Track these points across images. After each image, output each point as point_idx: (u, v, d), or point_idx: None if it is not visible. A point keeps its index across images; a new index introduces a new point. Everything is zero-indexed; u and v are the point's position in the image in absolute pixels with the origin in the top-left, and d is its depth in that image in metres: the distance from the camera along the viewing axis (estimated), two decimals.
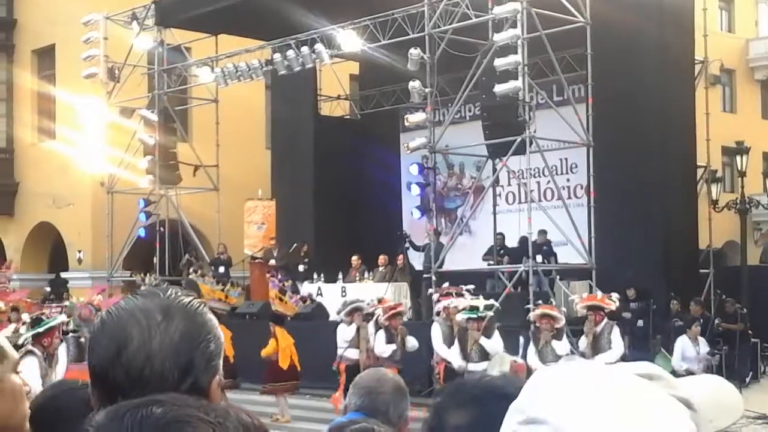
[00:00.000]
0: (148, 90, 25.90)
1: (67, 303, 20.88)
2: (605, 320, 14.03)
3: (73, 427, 1.23)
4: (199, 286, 21.94)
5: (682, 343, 14.71)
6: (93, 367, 1.58)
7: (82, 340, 14.10)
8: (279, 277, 21.55)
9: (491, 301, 15.02)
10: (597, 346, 13.81)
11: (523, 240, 20.59)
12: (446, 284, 17.55)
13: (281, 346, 16.86)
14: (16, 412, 1.92)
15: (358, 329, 16.21)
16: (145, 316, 1.58)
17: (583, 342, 14.09)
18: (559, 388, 1.01)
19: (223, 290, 20.38)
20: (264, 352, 16.81)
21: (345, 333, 16.45)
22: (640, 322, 19.28)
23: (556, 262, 20.58)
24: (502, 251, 21.60)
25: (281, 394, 16.99)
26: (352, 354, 16.16)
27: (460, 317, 14.64)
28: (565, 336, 14.10)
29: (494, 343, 14.25)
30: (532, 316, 14.37)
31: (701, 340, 14.96)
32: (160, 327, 1.56)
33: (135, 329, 1.56)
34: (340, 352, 16.34)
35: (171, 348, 1.55)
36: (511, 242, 21.31)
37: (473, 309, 14.50)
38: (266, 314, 19.29)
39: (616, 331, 13.96)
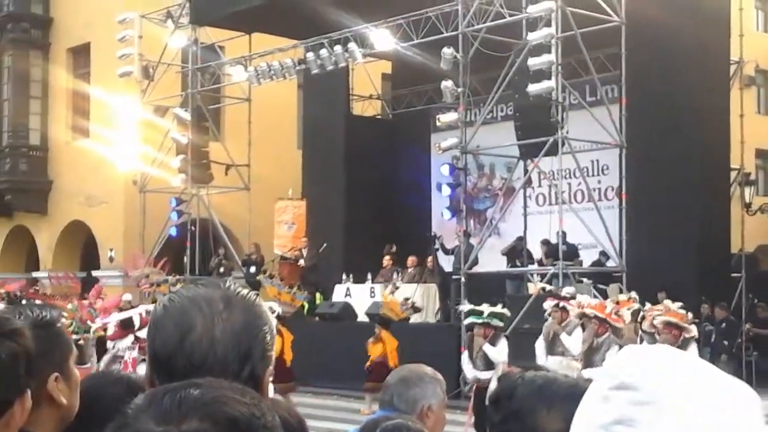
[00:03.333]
0: (181, 89, 26.08)
1: (69, 306, 20.88)
2: (607, 334, 13.04)
3: (113, 416, 1.26)
4: (265, 288, 22.03)
5: None
6: (155, 352, 1.62)
7: (81, 342, 14.17)
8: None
9: (499, 309, 14.31)
10: (590, 358, 12.82)
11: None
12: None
13: (389, 349, 16.87)
14: (77, 403, 2.03)
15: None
16: (208, 304, 1.62)
17: (579, 347, 13.27)
18: (652, 361, 1.06)
19: (290, 293, 20.40)
20: (372, 353, 17.01)
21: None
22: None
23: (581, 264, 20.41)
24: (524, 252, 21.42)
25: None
26: None
27: (467, 321, 14.16)
28: (693, 346, 12.86)
29: (498, 352, 13.57)
30: (657, 322, 13.17)
31: None
32: (222, 315, 1.61)
33: (198, 317, 1.61)
34: None
35: (233, 336, 1.60)
36: (535, 244, 21.12)
37: (478, 313, 13.94)
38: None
39: (614, 350, 12.68)
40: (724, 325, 18.91)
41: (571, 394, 1.71)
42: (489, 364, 13.39)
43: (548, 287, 17.13)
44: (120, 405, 1.27)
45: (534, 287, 17.89)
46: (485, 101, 20.20)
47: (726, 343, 18.48)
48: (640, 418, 1.01)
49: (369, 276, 22.07)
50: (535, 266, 20.37)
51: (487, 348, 13.57)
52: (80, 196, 29.66)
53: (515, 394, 1.79)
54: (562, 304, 14.53)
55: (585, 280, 19.54)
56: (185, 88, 25.93)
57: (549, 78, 17.77)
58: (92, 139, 29.62)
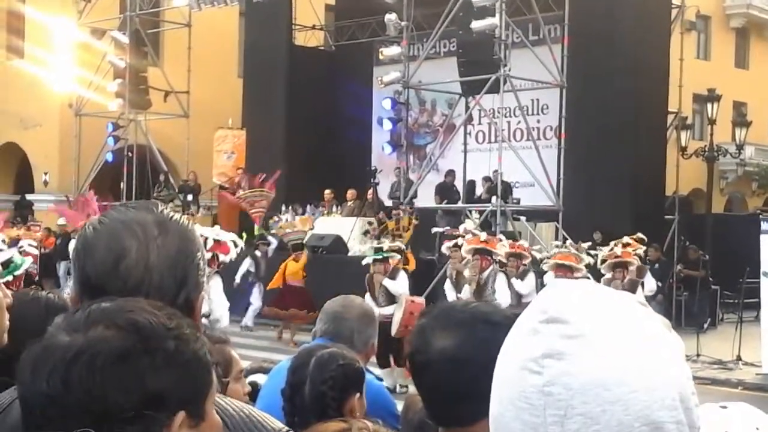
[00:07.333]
0: (119, 11, 25.45)
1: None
2: (491, 267, 12.94)
3: (34, 336, 1.25)
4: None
5: None
6: (87, 276, 1.55)
7: None
8: None
9: (397, 243, 14.51)
10: (481, 296, 12.56)
11: (470, 183, 20.66)
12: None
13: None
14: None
15: None
16: (141, 228, 1.56)
17: (466, 291, 13.07)
18: (580, 295, 1.08)
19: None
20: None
21: None
22: None
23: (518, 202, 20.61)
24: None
25: None
26: None
27: (367, 260, 14.04)
28: (530, 275, 13.45)
29: (398, 285, 13.53)
30: (546, 266, 13.42)
31: None
32: (158, 240, 1.55)
33: (133, 241, 1.54)
34: None
35: (168, 262, 1.55)
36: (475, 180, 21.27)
37: (378, 250, 13.92)
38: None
39: (500, 279, 12.85)
40: (657, 266, 19.22)
41: (463, 320, 1.79)
42: (391, 299, 13.34)
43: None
44: (41, 325, 1.27)
45: (471, 224, 18.01)
46: (429, 36, 20.08)
47: (659, 283, 18.80)
48: (569, 351, 1.03)
49: (308, 208, 22.00)
50: (464, 203, 20.44)
51: (387, 282, 13.49)
52: (15, 118, 28.97)
53: (429, 315, 1.87)
54: (459, 242, 14.55)
55: (522, 218, 19.76)
56: (123, 10, 25.32)
57: (493, 15, 17.71)
58: (27, 60, 28.85)
